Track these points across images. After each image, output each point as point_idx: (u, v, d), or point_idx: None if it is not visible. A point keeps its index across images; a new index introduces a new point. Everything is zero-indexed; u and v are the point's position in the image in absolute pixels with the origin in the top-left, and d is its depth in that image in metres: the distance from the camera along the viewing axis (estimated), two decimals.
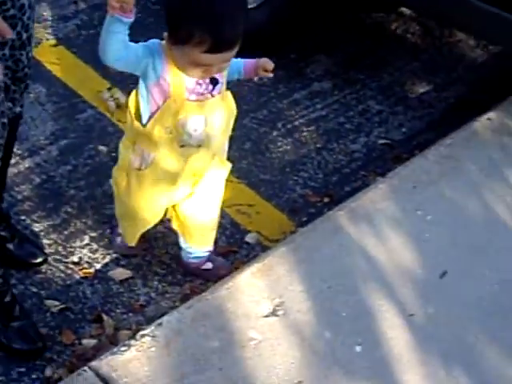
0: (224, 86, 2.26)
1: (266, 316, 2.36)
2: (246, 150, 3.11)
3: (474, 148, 3.09)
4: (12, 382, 2.28)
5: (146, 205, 2.42)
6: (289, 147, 3.19)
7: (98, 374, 2.14)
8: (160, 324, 2.29)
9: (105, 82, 3.26)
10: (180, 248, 2.61)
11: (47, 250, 2.61)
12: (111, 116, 3.15)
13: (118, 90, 3.20)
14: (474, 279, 2.59)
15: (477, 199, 2.87)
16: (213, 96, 2.21)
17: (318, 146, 3.22)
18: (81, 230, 2.72)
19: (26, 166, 2.89)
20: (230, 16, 2.06)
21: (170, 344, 2.24)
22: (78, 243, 2.67)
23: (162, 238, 2.73)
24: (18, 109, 2.31)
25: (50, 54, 3.37)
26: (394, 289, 2.51)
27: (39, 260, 2.57)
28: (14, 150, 2.51)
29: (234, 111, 2.35)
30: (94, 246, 2.67)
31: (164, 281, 2.61)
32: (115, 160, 2.90)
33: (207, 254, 2.60)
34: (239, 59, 2.30)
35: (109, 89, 3.23)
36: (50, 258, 2.59)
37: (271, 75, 2.34)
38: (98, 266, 2.62)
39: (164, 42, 2.14)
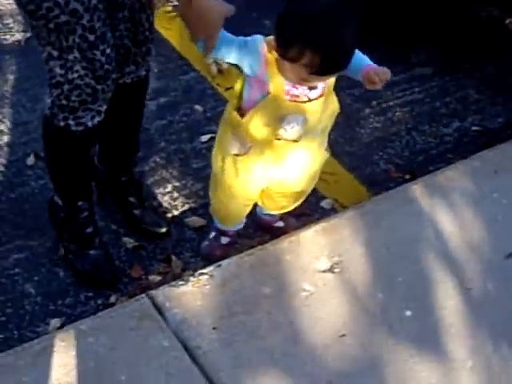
0: (326, 88, 2.19)
1: (323, 271, 2.43)
2: (336, 123, 3.17)
3: None
4: (78, 303, 2.45)
5: (240, 189, 2.39)
6: (379, 124, 3.24)
7: (153, 302, 2.27)
8: (219, 265, 2.41)
9: None
10: (256, 204, 2.67)
11: None
12: (212, 80, 3.30)
13: None
14: None
15: None
16: (310, 99, 2.16)
17: (409, 126, 3.25)
18: (165, 178, 2.87)
19: None
20: (344, 45, 2.01)
21: (226, 284, 2.35)
22: (160, 190, 2.82)
23: None
24: (142, 72, 2.40)
25: (163, 20, 3.55)
26: (456, 262, 2.53)
27: (163, 230, 2.67)
28: None
29: (337, 110, 2.30)
30: (175, 195, 2.82)
31: (245, 235, 2.72)
32: (209, 119, 3.07)
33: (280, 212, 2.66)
34: (362, 57, 2.20)
35: None
36: None
37: (379, 87, 2.17)
38: (176, 213, 2.76)
39: (267, 41, 2.08)
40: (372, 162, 3.07)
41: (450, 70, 3.56)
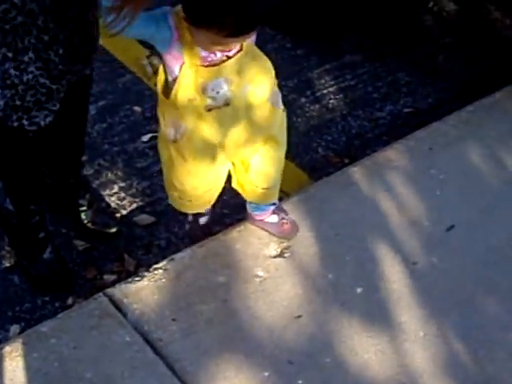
0: (246, 45, 2.09)
1: (273, 257, 2.50)
2: None
3: (494, 115, 3.18)
4: (36, 308, 2.48)
5: (194, 179, 2.31)
6: (315, 113, 3.33)
7: (110, 299, 2.32)
8: (172, 259, 2.46)
9: (145, 50, 3.45)
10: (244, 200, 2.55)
11: None
12: (148, 80, 3.34)
13: (155, 57, 3.38)
14: (481, 234, 2.68)
15: (491, 162, 2.97)
16: (229, 57, 2.06)
17: (344, 112, 3.35)
18: (111, 180, 2.90)
19: None
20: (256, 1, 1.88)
21: (180, 277, 2.40)
22: (107, 191, 2.86)
23: None
24: (87, 71, 2.40)
25: None
26: (400, 239, 2.63)
27: (113, 230, 2.70)
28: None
29: (269, 65, 2.19)
30: (122, 195, 2.86)
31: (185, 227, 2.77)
32: (149, 119, 3.12)
33: (272, 206, 2.54)
34: None
35: (147, 56, 3.42)
36: None
37: None
38: (124, 212, 2.80)
39: (176, 11, 2.00)
40: (311, 150, 3.16)
41: (379, 55, 3.66)
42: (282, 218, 2.56)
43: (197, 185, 2.34)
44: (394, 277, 2.51)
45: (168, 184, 2.40)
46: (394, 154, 2.93)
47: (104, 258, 2.65)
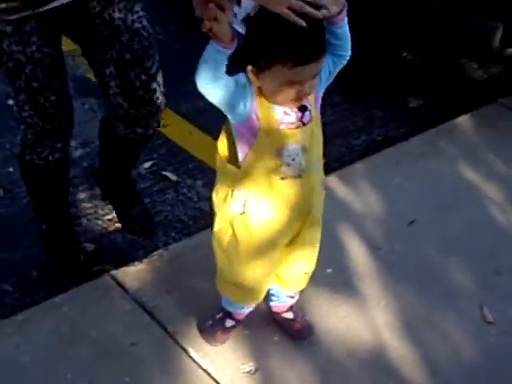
0: (314, 112, 2.14)
1: None
2: None
3: (454, 136, 3.61)
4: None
5: (257, 254, 2.25)
6: None
7: (113, 278, 2.71)
8: (166, 249, 2.86)
9: None
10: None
11: (91, 211, 3.23)
12: None
13: None
14: (437, 228, 3.06)
15: (450, 173, 3.37)
16: (304, 124, 2.09)
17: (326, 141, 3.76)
18: None
19: (78, 155, 3.55)
20: (310, 26, 1.92)
21: (173, 261, 2.80)
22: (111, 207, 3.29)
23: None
24: (149, 132, 2.68)
25: None
26: (366, 230, 3.02)
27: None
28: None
29: (321, 136, 2.24)
30: None
31: (182, 233, 3.17)
32: (148, 150, 3.55)
33: (290, 299, 2.51)
34: None
35: None
36: (91, 216, 3.21)
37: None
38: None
39: (249, 74, 2.01)
40: None
41: (357, 95, 4.11)
42: (297, 317, 2.56)
43: (262, 267, 2.29)
44: (360, 259, 2.89)
45: (225, 273, 2.34)
46: (363, 166, 3.35)
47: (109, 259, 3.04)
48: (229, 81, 1.99)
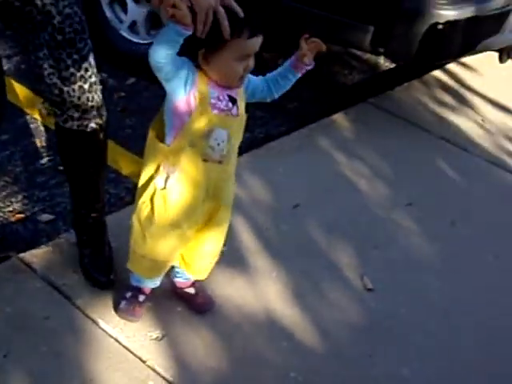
0: (242, 109, 2.38)
1: None
2: None
3: (329, 131, 3.94)
4: None
5: (170, 228, 2.43)
6: None
7: (21, 260, 2.86)
8: (71, 232, 3.02)
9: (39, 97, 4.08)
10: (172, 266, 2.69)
11: None
12: (43, 120, 3.96)
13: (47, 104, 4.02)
14: (322, 210, 3.36)
15: (327, 163, 3.70)
16: (233, 115, 2.34)
17: None
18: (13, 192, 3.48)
19: None
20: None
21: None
22: (13, 199, 3.42)
23: None
24: (91, 123, 2.62)
25: None
26: (255, 214, 3.28)
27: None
28: None
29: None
30: (25, 201, 3.42)
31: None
32: (45, 148, 3.70)
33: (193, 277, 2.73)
34: (259, 77, 2.47)
35: (42, 102, 4.05)
36: None
37: (309, 65, 2.42)
38: (28, 213, 3.36)
39: (199, 58, 2.28)
40: None
41: None
42: (199, 293, 2.77)
43: (173, 241, 2.47)
44: (251, 239, 3.14)
45: (138, 247, 2.50)
46: (249, 159, 3.61)
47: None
48: (178, 61, 2.24)
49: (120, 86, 4.36)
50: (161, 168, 2.38)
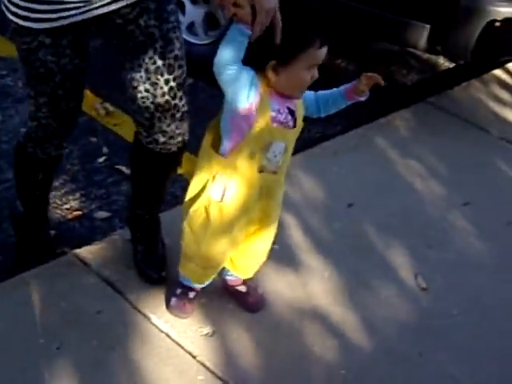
0: (300, 120, 2.40)
1: None
2: None
3: (386, 131, 3.91)
4: None
5: (224, 236, 2.46)
6: None
7: (76, 256, 2.91)
8: (126, 229, 3.06)
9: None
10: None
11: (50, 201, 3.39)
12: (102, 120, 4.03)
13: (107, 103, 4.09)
14: (376, 209, 3.34)
15: (384, 162, 3.68)
16: (290, 127, 2.35)
17: None
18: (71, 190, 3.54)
19: None
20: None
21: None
22: (70, 197, 3.48)
23: None
24: (169, 143, 2.59)
25: None
26: (305, 213, 3.28)
27: None
28: None
29: None
30: (83, 199, 3.48)
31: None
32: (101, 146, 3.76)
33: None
34: (312, 92, 2.46)
35: (100, 102, 4.12)
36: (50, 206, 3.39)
37: (363, 97, 2.44)
38: (86, 211, 3.42)
39: (268, 70, 2.27)
40: None
41: None
42: (250, 291, 2.76)
43: (225, 248, 2.50)
44: (303, 238, 3.14)
45: (191, 254, 2.54)
46: (301, 156, 3.61)
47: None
48: (242, 68, 2.23)
49: None
50: (217, 179, 2.38)
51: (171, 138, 2.57)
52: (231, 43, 2.20)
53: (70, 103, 2.55)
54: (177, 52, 2.46)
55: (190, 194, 2.48)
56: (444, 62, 4.96)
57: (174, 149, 2.61)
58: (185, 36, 4.37)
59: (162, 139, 2.57)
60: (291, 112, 2.35)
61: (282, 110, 2.32)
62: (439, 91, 4.36)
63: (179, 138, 2.59)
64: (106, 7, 2.35)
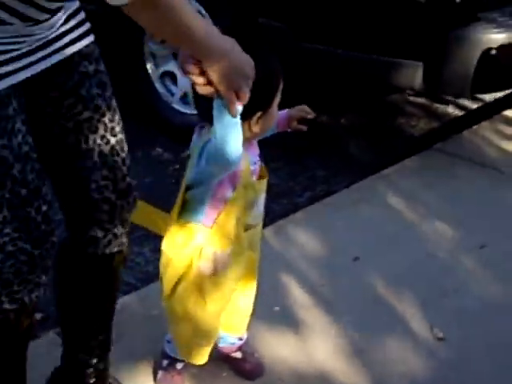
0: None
1: None
2: None
3: (392, 180, 3.70)
4: None
5: (220, 308, 2.26)
6: None
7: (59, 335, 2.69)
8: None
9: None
10: None
11: None
12: None
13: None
14: (383, 262, 3.09)
15: (389, 214, 3.46)
16: (260, 177, 2.18)
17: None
18: None
19: None
20: None
21: (123, 312, 2.78)
22: None
23: None
24: (124, 239, 2.12)
25: None
26: (309, 270, 3.05)
27: None
28: None
29: None
30: None
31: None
32: None
33: (238, 341, 2.48)
34: None
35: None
36: None
37: (305, 128, 2.28)
38: None
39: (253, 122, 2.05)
40: None
41: (299, 159, 4.21)
42: (246, 356, 2.53)
43: (220, 311, 2.28)
44: (306, 296, 2.91)
45: (185, 336, 2.29)
46: (307, 214, 3.41)
47: None
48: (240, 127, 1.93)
49: (175, 158, 4.21)
50: (205, 252, 2.14)
51: (126, 225, 2.10)
52: (230, 129, 1.89)
53: (41, 207, 1.80)
54: (121, 123, 2.01)
55: (171, 272, 2.19)
56: (453, 111, 4.77)
57: (124, 242, 2.15)
58: (178, 106, 4.25)
59: (117, 231, 2.07)
60: (259, 156, 2.19)
61: (255, 160, 2.15)
62: (445, 138, 4.16)
63: (127, 229, 2.14)
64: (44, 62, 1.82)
